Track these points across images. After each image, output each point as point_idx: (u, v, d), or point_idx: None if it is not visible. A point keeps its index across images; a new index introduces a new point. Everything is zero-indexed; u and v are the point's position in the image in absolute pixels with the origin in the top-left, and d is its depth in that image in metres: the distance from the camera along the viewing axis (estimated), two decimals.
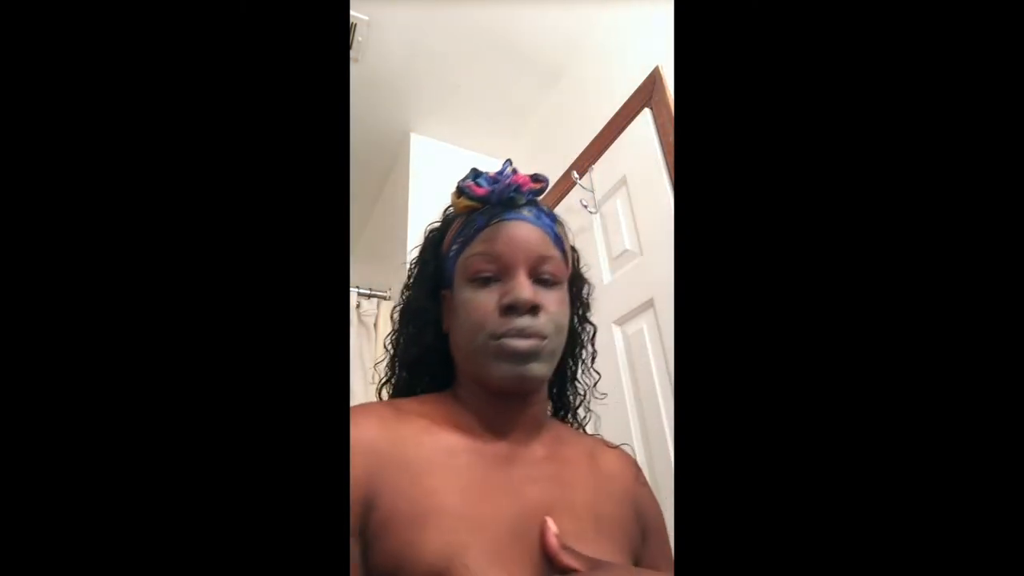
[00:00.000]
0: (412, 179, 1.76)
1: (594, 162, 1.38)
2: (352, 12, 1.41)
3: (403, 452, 0.42)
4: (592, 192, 1.37)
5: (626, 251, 1.22)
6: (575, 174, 1.42)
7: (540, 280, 0.48)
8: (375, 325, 1.72)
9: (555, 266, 0.49)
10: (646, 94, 1.22)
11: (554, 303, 0.47)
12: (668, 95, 1.16)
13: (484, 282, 0.47)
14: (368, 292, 1.73)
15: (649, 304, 1.11)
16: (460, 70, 1.62)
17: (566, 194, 1.50)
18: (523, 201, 0.50)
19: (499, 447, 0.47)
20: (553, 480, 0.47)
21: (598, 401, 0.60)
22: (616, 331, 1.21)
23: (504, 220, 0.48)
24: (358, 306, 1.70)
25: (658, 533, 0.53)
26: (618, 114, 1.31)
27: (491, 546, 0.39)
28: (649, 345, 1.10)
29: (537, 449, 0.49)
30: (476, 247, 0.48)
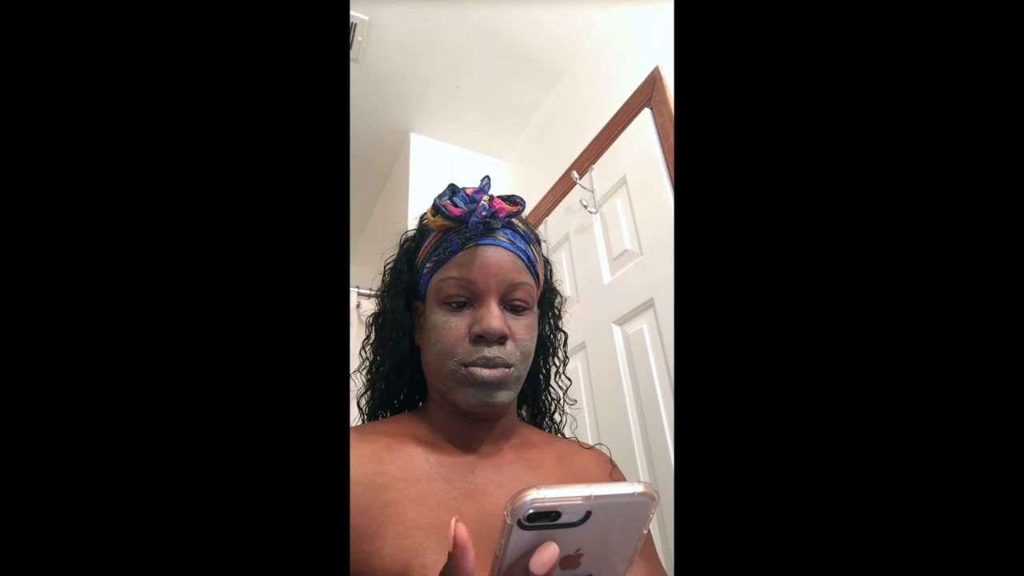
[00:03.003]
0: (412, 179, 1.76)
1: (594, 162, 1.38)
2: (352, 12, 1.41)
3: (361, 471, 0.44)
4: (592, 192, 1.37)
5: (626, 251, 1.22)
6: (575, 174, 1.42)
7: (510, 307, 0.49)
8: None
9: (525, 292, 0.50)
10: (646, 94, 1.22)
11: (522, 330, 0.49)
12: (668, 95, 1.16)
13: (456, 307, 0.48)
14: (368, 292, 1.72)
15: (649, 304, 1.11)
16: (460, 70, 1.62)
17: (566, 194, 1.50)
18: (499, 225, 0.50)
19: (464, 459, 0.48)
20: (520, 481, 0.48)
21: (570, 405, 0.63)
22: (616, 331, 1.21)
23: (478, 245, 0.48)
24: (358, 306, 1.71)
25: None
26: (618, 114, 1.31)
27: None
28: (649, 345, 1.10)
29: (505, 455, 0.51)
30: (450, 271, 0.48)
